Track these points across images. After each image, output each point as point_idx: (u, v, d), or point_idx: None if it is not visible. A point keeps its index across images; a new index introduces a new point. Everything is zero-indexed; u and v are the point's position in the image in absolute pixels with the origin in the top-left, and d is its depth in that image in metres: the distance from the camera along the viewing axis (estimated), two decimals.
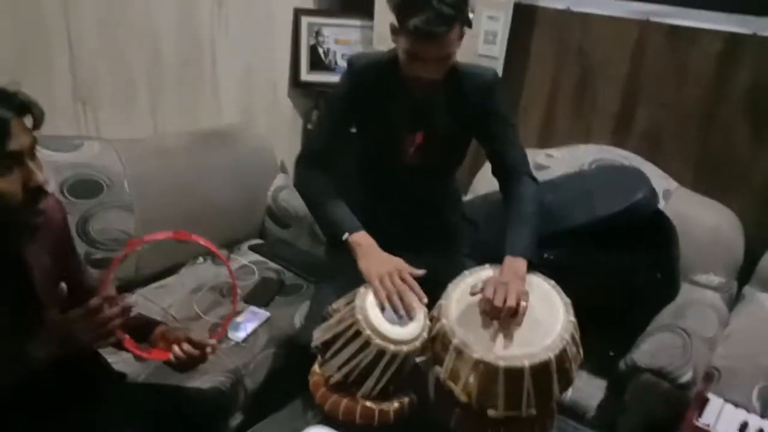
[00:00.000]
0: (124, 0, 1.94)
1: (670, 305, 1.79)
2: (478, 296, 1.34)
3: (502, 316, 1.28)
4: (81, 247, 1.73)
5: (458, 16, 1.36)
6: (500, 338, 1.27)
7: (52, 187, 1.54)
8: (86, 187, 1.80)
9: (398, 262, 1.41)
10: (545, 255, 1.69)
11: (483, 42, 2.37)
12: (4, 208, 0.99)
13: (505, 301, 1.28)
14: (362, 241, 1.45)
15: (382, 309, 1.33)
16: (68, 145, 1.81)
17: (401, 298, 1.34)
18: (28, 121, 1.01)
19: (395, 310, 1.33)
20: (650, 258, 1.75)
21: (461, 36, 1.41)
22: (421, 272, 1.40)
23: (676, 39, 2.08)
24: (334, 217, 1.51)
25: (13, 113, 0.97)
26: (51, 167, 1.69)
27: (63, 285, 1.09)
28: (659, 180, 2.08)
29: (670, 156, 2.18)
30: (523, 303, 1.30)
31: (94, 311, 1.03)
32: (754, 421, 1.28)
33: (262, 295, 1.95)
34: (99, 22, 1.89)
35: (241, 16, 2.30)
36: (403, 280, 1.37)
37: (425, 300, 1.37)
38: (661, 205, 1.97)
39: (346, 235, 1.46)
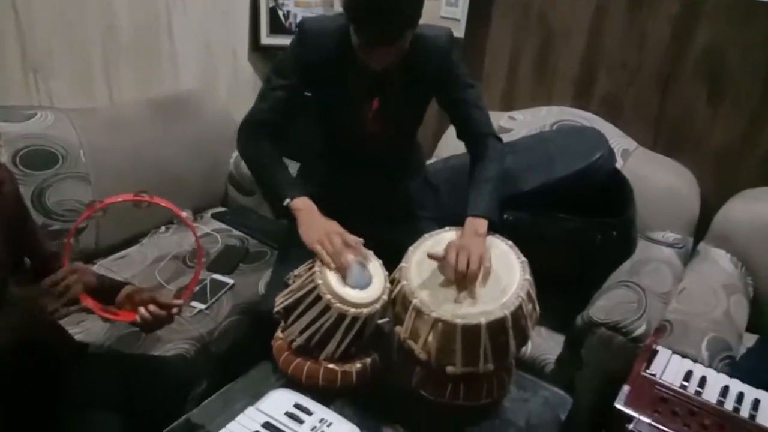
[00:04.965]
0: None
1: (627, 262, 1.84)
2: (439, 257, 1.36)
3: (463, 278, 1.30)
4: (38, 219, 1.71)
5: (411, 22, 1.33)
6: (459, 297, 1.29)
7: (3, 158, 1.51)
8: (41, 158, 1.76)
9: (335, 226, 1.40)
10: (505, 216, 1.72)
11: (446, 4, 2.35)
12: None
13: (467, 264, 1.30)
14: (302, 206, 1.44)
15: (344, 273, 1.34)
16: (20, 116, 1.77)
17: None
18: None
19: (339, 271, 1.33)
20: (607, 217, 1.78)
21: (412, 32, 1.38)
22: (359, 240, 1.40)
23: (635, 1, 2.09)
24: (277, 183, 1.49)
25: None
26: (2, 138, 1.65)
27: (27, 260, 1.07)
28: (618, 140, 2.12)
29: (630, 117, 2.22)
30: (485, 264, 1.32)
31: (57, 282, 1.03)
32: (699, 370, 1.33)
33: (225, 262, 1.95)
34: None
35: None
36: (345, 243, 1.37)
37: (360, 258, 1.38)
38: (619, 164, 2.01)
39: (287, 201, 1.44)
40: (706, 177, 2.09)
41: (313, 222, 1.41)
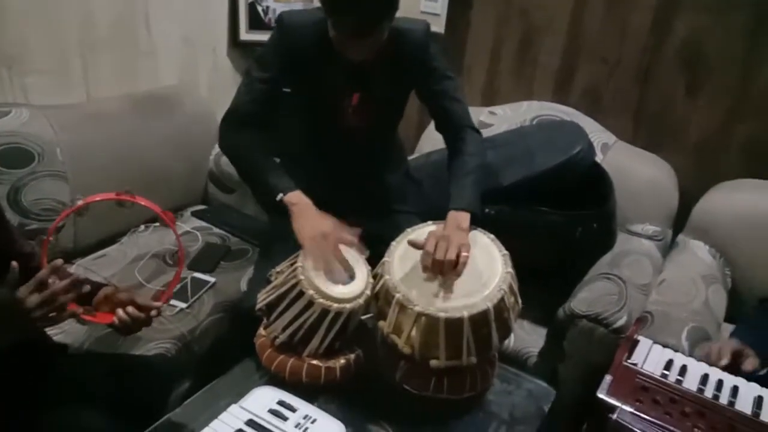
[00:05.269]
0: None
1: (607, 254, 1.85)
2: (421, 252, 1.36)
3: (443, 269, 1.30)
4: (14, 219, 1.69)
5: (388, 14, 1.33)
6: (441, 291, 1.29)
7: None
8: (16, 156, 1.72)
9: (332, 224, 1.39)
10: (486, 210, 1.72)
11: None
12: None
13: (445, 254, 1.30)
14: (297, 200, 1.42)
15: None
16: None
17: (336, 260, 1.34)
18: None
19: (329, 273, 1.32)
20: (588, 210, 1.79)
21: (390, 24, 1.38)
22: (356, 233, 1.39)
23: None
24: (267, 178, 1.46)
25: None
26: None
27: (15, 264, 1.03)
28: (598, 134, 2.14)
29: (610, 110, 2.24)
30: (464, 254, 1.32)
31: (43, 284, 1.01)
32: (679, 359, 1.35)
33: (206, 261, 1.93)
34: None
35: None
36: (339, 240, 1.37)
37: (367, 253, 1.38)
38: (599, 158, 2.03)
39: (280, 196, 1.42)
40: (685, 169, 2.12)
41: (308, 217, 1.39)
